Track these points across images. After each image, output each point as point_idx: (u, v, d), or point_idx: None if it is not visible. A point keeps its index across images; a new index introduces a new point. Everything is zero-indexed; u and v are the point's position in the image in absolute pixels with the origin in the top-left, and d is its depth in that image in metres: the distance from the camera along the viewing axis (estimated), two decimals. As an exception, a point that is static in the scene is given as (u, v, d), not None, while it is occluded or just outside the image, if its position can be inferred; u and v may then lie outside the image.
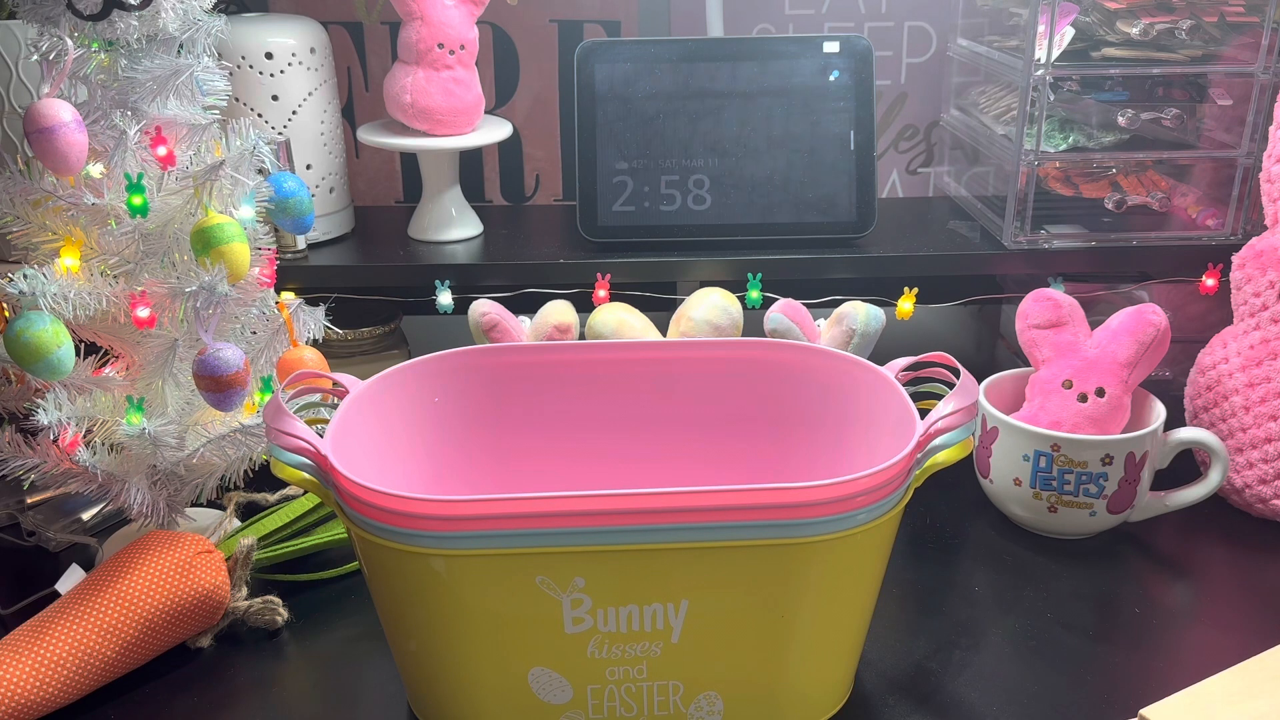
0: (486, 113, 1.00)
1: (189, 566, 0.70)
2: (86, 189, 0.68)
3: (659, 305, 0.94)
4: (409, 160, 1.12)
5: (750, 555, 0.57)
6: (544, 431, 0.75)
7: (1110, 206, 0.94)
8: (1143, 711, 0.61)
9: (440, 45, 0.93)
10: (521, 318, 0.84)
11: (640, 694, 0.62)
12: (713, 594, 0.58)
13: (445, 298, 0.94)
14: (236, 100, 0.92)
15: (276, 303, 0.77)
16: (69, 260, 0.68)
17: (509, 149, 1.13)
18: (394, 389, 0.70)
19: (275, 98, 0.93)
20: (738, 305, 0.84)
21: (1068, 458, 0.78)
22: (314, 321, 0.79)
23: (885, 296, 0.90)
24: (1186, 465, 0.85)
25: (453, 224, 1.00)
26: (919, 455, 0.60)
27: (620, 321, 0.82)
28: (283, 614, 0.73)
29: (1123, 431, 0.81)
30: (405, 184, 1.14)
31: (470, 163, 1.13)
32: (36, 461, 0.70)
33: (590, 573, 0.57)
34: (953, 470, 0.64)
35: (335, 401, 0.68)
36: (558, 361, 0.74)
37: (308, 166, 0.96)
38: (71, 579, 0.71)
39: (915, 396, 0.65)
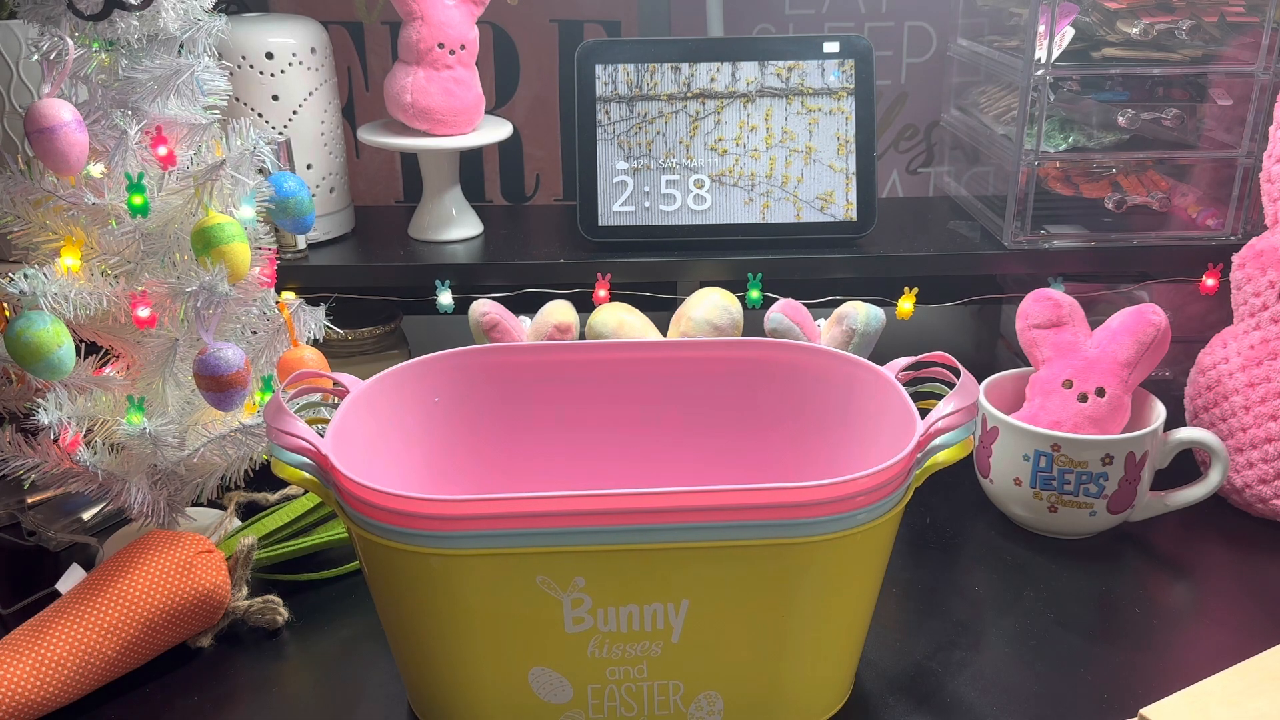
0: (486, 113, 1.00)
1: (189, 566, 0.70)
2: (87, 189, 0.68)
3: (659, 305, 0.94)
4: (409, 160, 1.12)
5: (750, 555, 0.57)
6: (544, 431, 0.75)
7: (1110, 206, 0.94)
8: (1143, 711, 0.61)
9: (440, 45, 0.93)
10: (521, 318, 0.84)
11: (640, 694, 0.62)
12: (713, 594, 0.58)
13: (445, 298, 0.94)
14: (237, 100, 0.92)
15: (277, 302, 0.77)
16: (69, 260, 0.68)
17: (509, 149, 1.13)
18: (394, 389, 0.70)
19: (275, 97, 0.93)
20: (738, 305, 0.84)
21: (1068, 458, 0.78)
22: (314, 321, 0.79)
23: (885, 296, 0.90)
24: (1186, 465, 0.85)
25: (453, 224, 1.00)
26: (919, 455, 0.60)
27: (620, 321, 0.82)
28: (283, 614, 0.73)
29: (1123, 431, 0.81)
30: (405, 184, 1.14)
31: (470, 163, 1.13)
32: (37, 461, 0.70)
33: (590, 572, 0.57)
34: (953, 470, 0.64)
35: (335, 401, 0.68)
36: (558, 361, 0.74)
37: (308, 166, 0.96)
38: (72, 579, 0.71)
39: (915, 396, 0.65)
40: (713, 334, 0.82)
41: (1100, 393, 0.80)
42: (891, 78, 1.12)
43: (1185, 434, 0.81)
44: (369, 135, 0.97)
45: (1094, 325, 0.83)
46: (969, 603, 0.76)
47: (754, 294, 0.92)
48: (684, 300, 0.85)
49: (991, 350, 1.14)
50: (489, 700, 0.61)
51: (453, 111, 0.95)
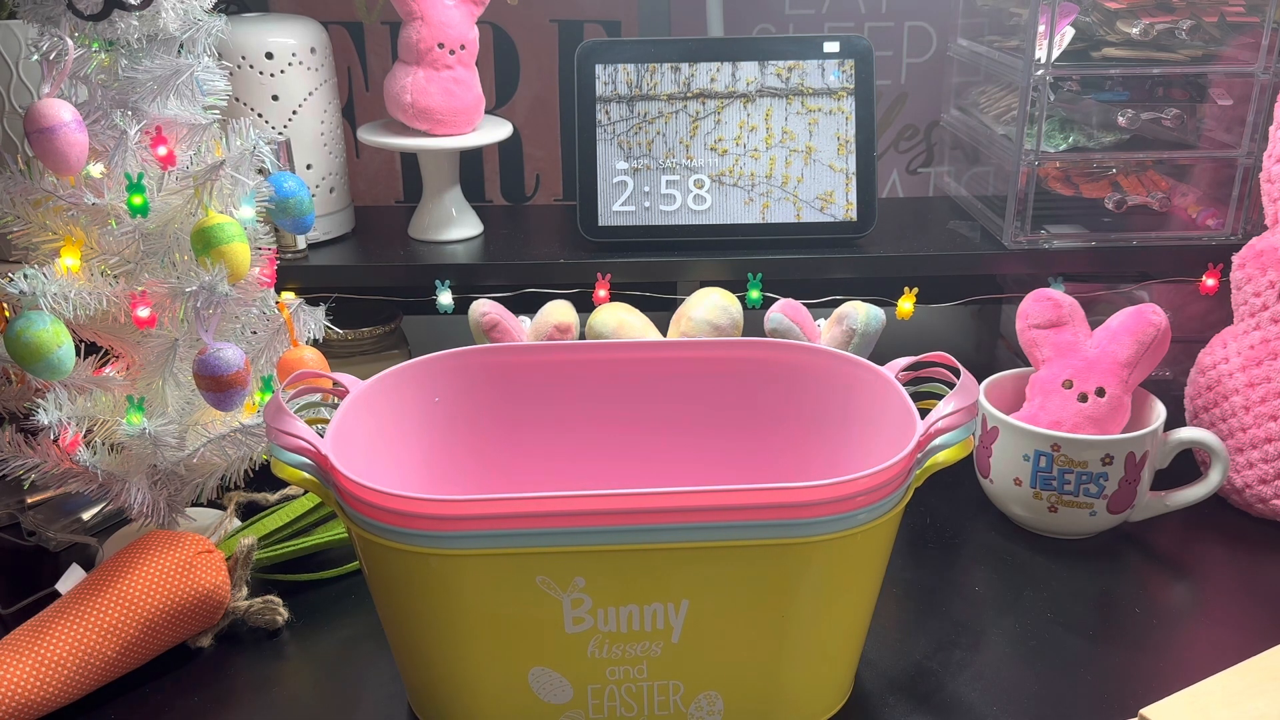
0: (486, 113, 1.00)
1: (189, 566, 0.70)
2: (87, 189, 0.68)
3: (659, 305, 0.94)
4: (409, 160, 1.12)
5: (750, 555, 0.57)
6: (544, 431, 0.75)
7: (1110, 206, 0.94)
8: (1143, 711, 0.61)
9: (440, 45, 0.93)
10: (521, 318, 0.84)
11: (640, 694, 0.62)
12: (713, 594, 0.58)
13: (445, 298, 0.94)
14: (237, 100, 0.92)
15: (277, 303, 0.77)
16: (69, 260, 0.68)
17: (509, 149, 1.13)
18: (394, 389, 0.70)
19: (275, 98, 0.93)
20: (738, 305, 0.84)
21: (1068, 458, 0.78)
22: (314, 321, 0.79)
23: (885, 296, 0.90)
24: (1186, 465, 0.85)
25: (453, 224, 1.00)
26: (919, 455, 0.60)
27: (620, 321, 0.82)
28: (283, 614, 0.73)
29: (1123, 431, 0.81)
30: (405, 184, 1.14)
31: (470, 163, 1.13)
32: (37, 461, 0.70)
33: (590, 572, 0.57)
34: (953, 470, 0.64)
35: (335, 401, 0.68)
36: (558, 361, 0.74)
37: (308, 166, 0.96)
38: (71, 579, 0.71)
39: (915, 396, 0.65)
40: (713, 334, 0.82)
41: (1100, 393, 0.80)
42: (891, 78, 1.12)
43: (1185, 434, 0.81)
44: (369, 135, 0.97)
45: (1094, 325, 0.83)
46: (969, 603, 0.76)
47: (754, 294, 0.92)
48: (684, 300, 0.85)
49: (991, 350, 1.14)
50: (489, 700, 0.61)
51: (453, 111, 0.95)
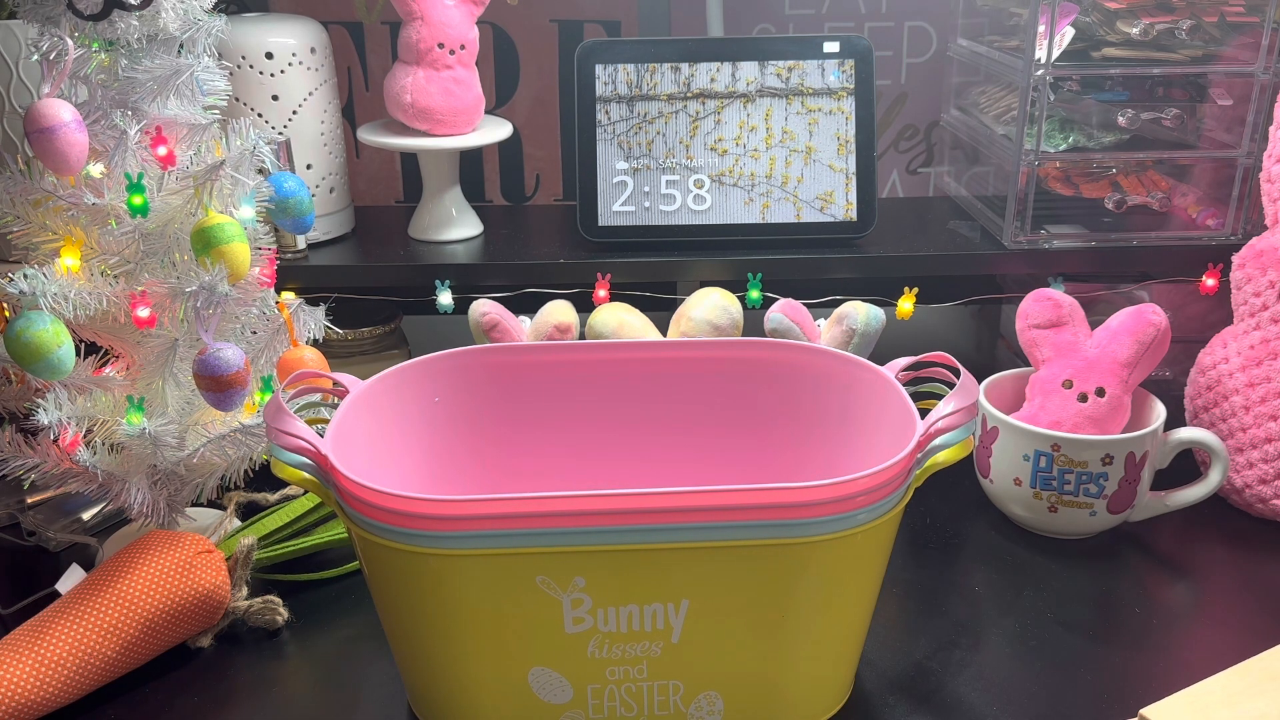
0: (486, 113, 1.00)
1: (189, 566, 0.70)
2: (87, 189, 0.68)
3: (659, 305, 0.94)
4: (409, 160, 1.12)
5: (750, 555, 0.57)
6: (544, 431, 0.75)
7: (1110, 206, 0.94)
8: (1143, 711, 0.61)
9: (440, 45, 0.93)
10: (521, 318, 0.84)
11: (640, 694, 0.62)
12: (713, 594, 0.58)
13: (445, 298, 0.94)
14: (237, 100, 0.92)
15: (276, 302, 0.77)
16: (69, 260, 0.68)
17: (509, 149, 1.13)
18: (394, 389, 0.70)
19: (275, 98, 0.93)
20: (738, 305, 0.84)
21: (1068, 458, 0.78)
22: (314, 321, 0.79)
23: (885, 296, 0.90)
24: (1186, 465, 0.85)
25: (453, 224, 1.00)
26: (919, 455, 0.60)
27: (620, 321, 0.82)
28: (283, 614, 0.73)
29: (1123, 431, 0.81)
30: (405, 184, 1.14)
31: (470, 163, 1.13)
32: (37, 461, 0.70)
33: (590, 572, 0.57)
34: (953, 470, 0.64)
35: (335, 401, 0.68)
36: (558, 361, 0.74)
37: (308, 166, 0.96)
38: (71, 579, 0.71)
39: (915, 396, 0.65)
40: (713, 334, 0.82)
41: (1100, 393, 0.80)
42: (891, 78, 1.12)
43: (1185, 434, 0.81)
44: (369, 135, 0.97)
45: (1094, 325, 0.83)
46: (969, 603, 0.76)
47: (754, 294, 0.92)
48: (684, 300, 0.85)
49: (991, 350, 1.14)
50: (489, 700, 0.61)
51: (453, 111, 0.95)
